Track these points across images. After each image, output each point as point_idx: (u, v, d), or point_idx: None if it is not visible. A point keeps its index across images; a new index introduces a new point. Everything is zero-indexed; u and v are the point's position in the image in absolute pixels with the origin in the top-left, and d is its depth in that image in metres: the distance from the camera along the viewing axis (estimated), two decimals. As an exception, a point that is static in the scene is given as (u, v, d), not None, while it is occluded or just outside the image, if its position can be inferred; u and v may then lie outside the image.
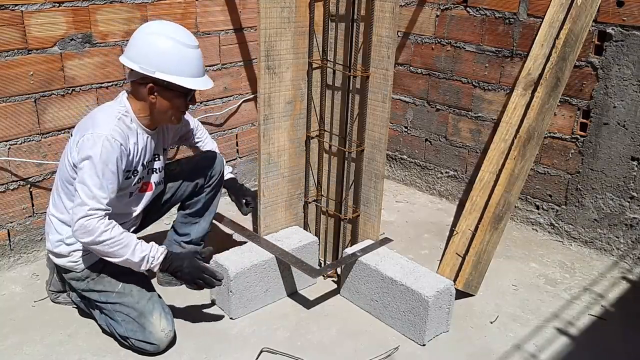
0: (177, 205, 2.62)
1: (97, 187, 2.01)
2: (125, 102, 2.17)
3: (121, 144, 2.07)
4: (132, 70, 2.11)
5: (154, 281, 2.36)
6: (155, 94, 2.12)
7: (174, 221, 2.65)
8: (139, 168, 2.21)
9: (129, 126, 2.14)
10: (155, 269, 2.14)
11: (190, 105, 2.27)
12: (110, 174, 2.04)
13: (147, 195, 2.33)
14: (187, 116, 2.53)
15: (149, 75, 2.08)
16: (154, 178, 2.33)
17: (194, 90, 2.18)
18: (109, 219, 2.06)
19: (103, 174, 2.02)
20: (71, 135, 2.17)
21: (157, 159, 2.32)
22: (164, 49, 2.07)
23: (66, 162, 2.13)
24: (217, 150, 2.65)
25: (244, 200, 2.62)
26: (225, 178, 2.65)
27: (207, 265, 2.23)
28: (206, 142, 2.66)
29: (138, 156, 2.18)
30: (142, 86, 2.12)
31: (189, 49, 2.11)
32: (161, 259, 2.13)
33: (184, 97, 2.17)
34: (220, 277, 2.21)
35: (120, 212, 2.21)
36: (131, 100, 2.18)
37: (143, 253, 2.09)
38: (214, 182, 2.56)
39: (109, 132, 2.04)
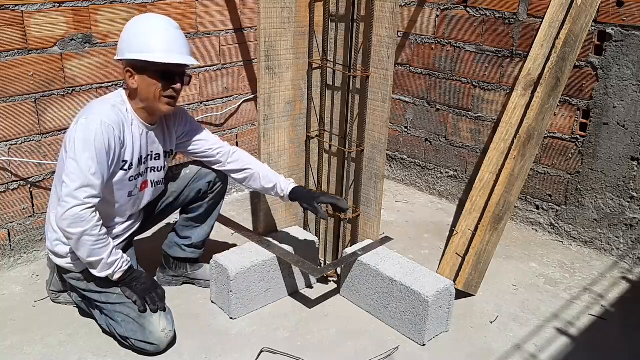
0: (179, 209, 2.58)
1: (91, 173, 1.98)
2: (122, 94, 2.17)
3: (114, 129, 2.04)
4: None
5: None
6: (135, 78, 2.09)
7: (175, 223, 2.61)
8: (134, 162, 2.16)
9: (124, 115, 2.12)
10: (115, 277, 2.13)
11: (179, 87, 2.13)
12: (103, 159, 2.01)
13: (144, 194, 2.30)
14: (207, 134, 2.40)
15: (123, 60, 2.08)
16: (152, 177, 2.30)
17: (172, 67, 2.06)
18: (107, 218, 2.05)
19: (97, 158, 1.99)
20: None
21: (156, 158, 2.28)
22: (133, 30, 2.08)
23: (64, 157, 2.10)
24: (261, 164, 2.45)
25: (316, 204, 2.34)
26: (289, 189, 2.39)
27: (163, 289, 2.24)
28: (236, 151, 2.44)
29: (132, 147, 2.14)
30: (125, 75, 2.12)
31: (159, 28, 2.07)
32: (125, 268, 2.14)
33: (160, 75, 2.08)
34: (163, 308, 2.17)
35: (118, 212, 2.21)
36: (127, 94, 2.17)
37: (116, 257, 2.11)
38: (217, 188, 2.49)
39: (102, 116, 2.03)
